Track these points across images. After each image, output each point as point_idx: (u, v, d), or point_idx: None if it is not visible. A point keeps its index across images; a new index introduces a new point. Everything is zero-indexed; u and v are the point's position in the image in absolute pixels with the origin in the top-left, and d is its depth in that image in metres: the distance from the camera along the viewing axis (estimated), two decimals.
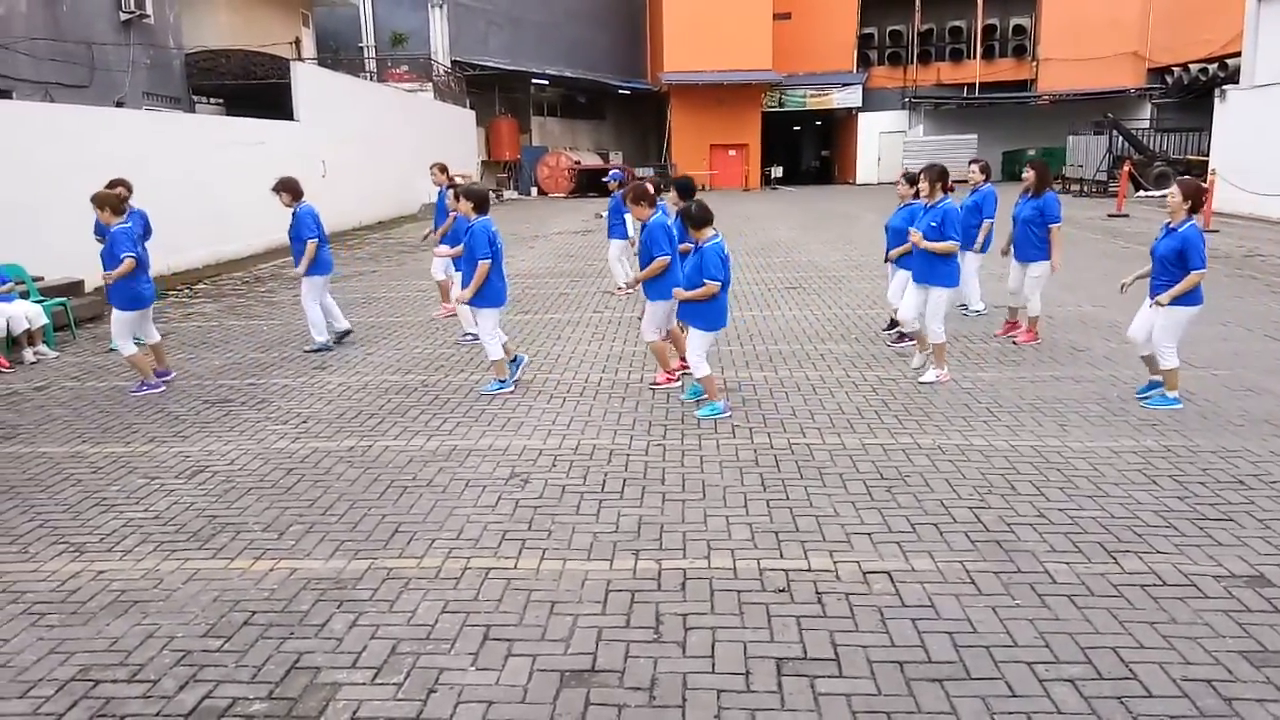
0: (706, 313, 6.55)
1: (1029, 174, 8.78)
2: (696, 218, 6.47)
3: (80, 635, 3.84)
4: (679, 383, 7.42)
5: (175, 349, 9.52)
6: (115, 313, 7.69)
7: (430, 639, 3.75)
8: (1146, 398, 6.80)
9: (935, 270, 7.34)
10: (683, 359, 7.40)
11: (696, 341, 6.64)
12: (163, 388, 7.83)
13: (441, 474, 5.68)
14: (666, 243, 7.07)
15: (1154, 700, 3.24)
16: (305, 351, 9.13)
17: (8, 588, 4.29)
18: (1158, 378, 6.80)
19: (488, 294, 7.33)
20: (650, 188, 7.44)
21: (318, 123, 20.54)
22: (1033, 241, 8.59)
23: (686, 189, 7.86)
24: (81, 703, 3.36)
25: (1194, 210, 6.50)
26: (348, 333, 9.60)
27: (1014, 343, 8.74)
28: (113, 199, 7.80)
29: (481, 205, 7.37)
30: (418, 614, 3.96)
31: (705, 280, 6.37)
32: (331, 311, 9.42)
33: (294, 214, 8.91)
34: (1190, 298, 6.46)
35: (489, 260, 7.16)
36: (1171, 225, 6.55)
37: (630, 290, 7.42)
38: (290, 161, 18.60)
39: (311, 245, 8.83)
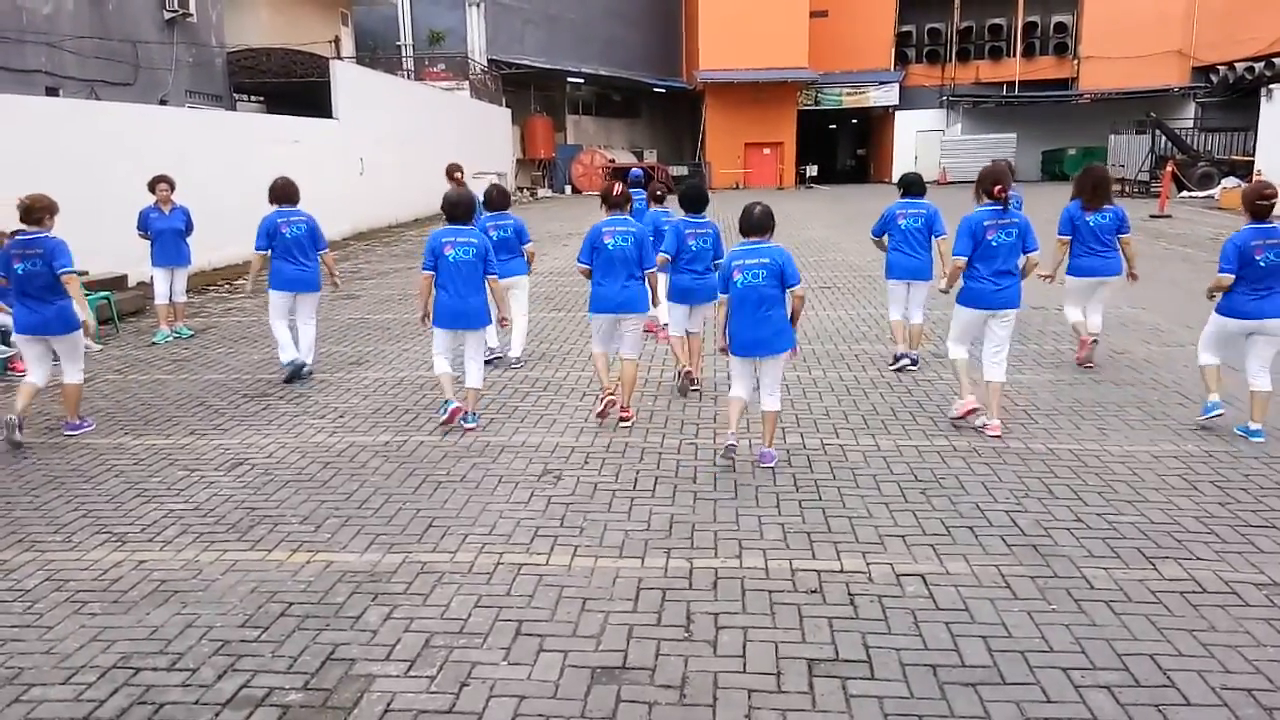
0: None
1: None
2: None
3: (121, 623, 3.92)
4: (616, 404, 6.55)
5: (216, 343, 9.68)
6: None
7: (463, 633, 3.78)
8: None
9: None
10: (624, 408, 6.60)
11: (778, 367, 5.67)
12: (92, 426, 6.72)
13: (475, 469, 5.72)
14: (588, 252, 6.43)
15: (1192, 709, 3.19)
16: (283, 378, 8.02)
17: (52, 575, 4.39)
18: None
19: (434, 311, 6.54)
20: (618, 187, 6.58)
21: (356, 121, 20.76)
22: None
23: (697, 199, 7.13)
24: (122, 690, 3.43)
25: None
26: (302, 367, 8.09)
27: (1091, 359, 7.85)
28: None
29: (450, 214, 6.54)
30: (451, 608, 3.99)
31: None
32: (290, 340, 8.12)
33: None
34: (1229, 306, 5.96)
35: (430, 273, 6.40)
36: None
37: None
38: (329, 159, 18.92)
39: (257, 258, 8.08)
